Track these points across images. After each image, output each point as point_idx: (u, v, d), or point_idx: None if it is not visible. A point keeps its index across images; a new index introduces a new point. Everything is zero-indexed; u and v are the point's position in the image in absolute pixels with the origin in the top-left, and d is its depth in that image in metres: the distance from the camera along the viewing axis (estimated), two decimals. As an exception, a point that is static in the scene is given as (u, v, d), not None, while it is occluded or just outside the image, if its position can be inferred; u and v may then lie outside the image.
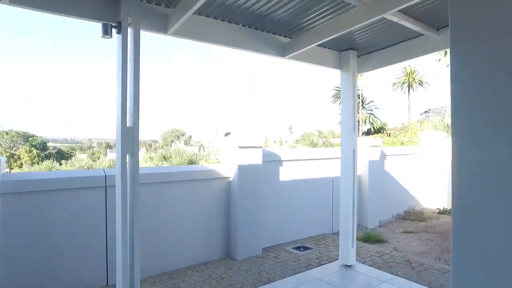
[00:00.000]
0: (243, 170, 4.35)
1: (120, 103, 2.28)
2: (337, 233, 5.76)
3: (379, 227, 6.28)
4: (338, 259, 4.22)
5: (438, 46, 3.30)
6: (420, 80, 47.36)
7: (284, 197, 5.14)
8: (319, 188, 5.67)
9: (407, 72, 47.39)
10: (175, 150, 17.94)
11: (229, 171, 4.45)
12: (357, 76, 3.87)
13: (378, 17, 2.68)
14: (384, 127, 58.04)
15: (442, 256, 4.69)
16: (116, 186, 2.38)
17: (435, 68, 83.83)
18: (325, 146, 23.04)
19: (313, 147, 22.32)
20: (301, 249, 4.83)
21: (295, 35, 3.40)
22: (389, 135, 49.65)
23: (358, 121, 52.80)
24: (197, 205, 4.18)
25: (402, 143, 26.63)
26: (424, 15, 2.97)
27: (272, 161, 4.96)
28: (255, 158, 4.50)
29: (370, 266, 4.07)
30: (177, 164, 14.53)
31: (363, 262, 4.19)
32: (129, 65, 2.31)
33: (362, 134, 53.53)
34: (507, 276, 1.04)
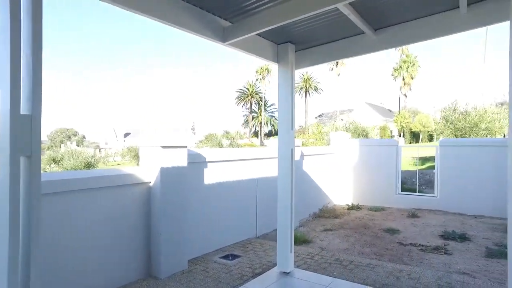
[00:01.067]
0: (166, 173, 3.75)
1: (9, 77, 1.52)
2: (262, 237, 5.56)
3: (300, 226, 6.32)
4: (272, 266, 3.98)
5: (375, 47, 3.32)
6: (316, 87, 51.73)
7: (209, 202, 4.68)
8: (244, 191, 5.38)
9: (304, 79, 51.28)
10: (67, 151, 15.60)
11: (149, 175, 3.79)
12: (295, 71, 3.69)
13: (326, 8, 2.49)
14: (281, 129, 61.96)
15: (363, 251, 4.87)
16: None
17: (328, 76, 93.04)
18: (233, 147, 23.08)
19: (220, 147, 22.13)
20: (230, 257, 4.44)
21: (236, 19, 3.01)
22: (289, 137, 52.91)
23: (260, 123, 55.03)
24: (111, 218, 3.42)
25: (304, 144, 28.37)
26: (370, 11, 2.92)
27: (197, 163, 4.46)
28: (180, 160, 3.94)
29: (306, 270, 3.93)
30: (72, 168, 12.53)
31: (298, 266, 4.04)
32: (24, 20, 1.56)
33: (264, 136, 56.04)
34: None
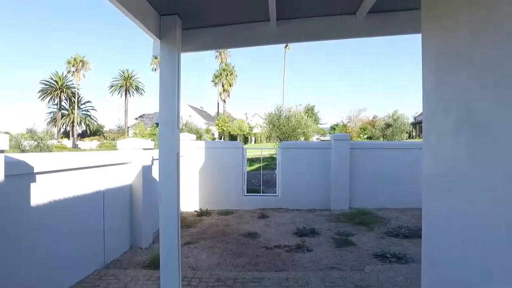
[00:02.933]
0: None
1: None
2: (113, 265, 4.34)
3: (154, 243, 5.37)
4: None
5: (276, 38, 2.99)
6: (137, 86, 48.86)
7: (39, 231, 3.21)
8: (87, 208, 4.04)
9: (124, 76, 47.53)
10: None
11: None
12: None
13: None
14: (101, 129, 55.46)
15: (236, 262, 4.49)
16: None
17: (151, 77, 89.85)
18: (41, 150, 18.58)
19: (22, 151, 17.40)
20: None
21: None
22: (106, 138, 47.91)
23: (73, 122, 47.41)
24: None
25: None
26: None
27: (20, 176, 2.94)
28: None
29: (191, 302, 3.19)
30: None
31: (177, 299, 3.23)
32: None
33: (77, 136, 48.51)
34: None
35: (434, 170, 2.18)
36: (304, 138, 15.05)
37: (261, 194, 8.56)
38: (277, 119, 14.39)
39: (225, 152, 8.24)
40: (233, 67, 45.79)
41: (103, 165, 4.35)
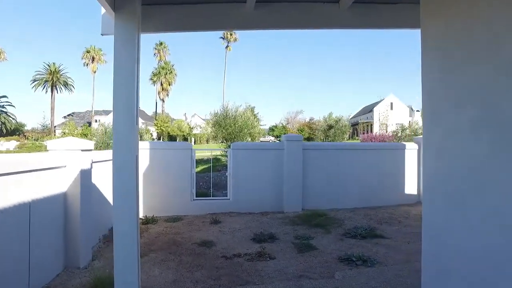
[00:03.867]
0: None
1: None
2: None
3: (94, 260, 4.61)
4: None
5: (251, 23, 2.61)
6: (65, 81, 44.42)
7: None
8: (5, 226, 3.22)
9: (50, 70, 42.84)
10: None
11: None
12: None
13: None
14: (21, 128, 49.19)
15: (196, 277, 4.00)
16: None
17: (81, 72, 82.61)
18: None
19: None
20: None
21: None
22: (27, 138, 42.69)
23: (-15, 120, 41.28)
24: None
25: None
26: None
27: None
28: None
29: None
30: None
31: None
32: None
33: (-11, 137, 42.35)
34: None
35: (439, 171, 1.99)
36: (251, 139, 14.84)
37: (212, 198, 8.07)
38: (223, 119, 13.94)
39: (172, 153, 7.59)
40: (173, 66, 44.12)
41: (29, 171, 3.54)
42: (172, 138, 38.25)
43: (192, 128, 41.53)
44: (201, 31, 2.72)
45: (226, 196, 8.02)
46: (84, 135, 25.91)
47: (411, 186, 8.69)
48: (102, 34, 2.63)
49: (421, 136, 8.98)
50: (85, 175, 4.50)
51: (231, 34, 57.62)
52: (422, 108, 2.16)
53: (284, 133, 40.00)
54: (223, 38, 58.23)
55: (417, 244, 5.24)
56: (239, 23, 2.63)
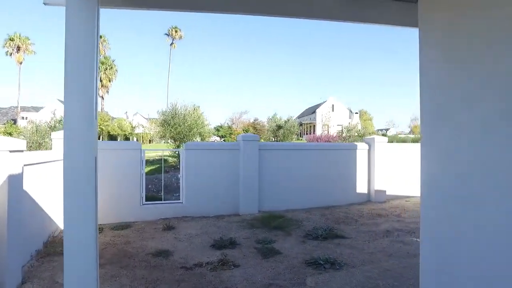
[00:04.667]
0: None
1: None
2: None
3: (25, 282, 3.87)
4: None
5: (236, 6, 2.29)
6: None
7: None
8: None
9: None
10: None
11: None
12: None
13: None
14: None
15: (153, 294, 3.54)
16: None
17: (4, 62, 73.73)
18: None
19: None
20: None
21: None
22: None
23: None
24: None
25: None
26: None
27: None
28: None
29: None
30: None
31: None
32: None
33: None
34: None
35: (449, 173, 1.86)
36: (201, 139, 14.30)
37: (163, 201, 7.48)
38: (172, 117, 13.18)
39: (119, 154, 6.88)
40: (113, 61, 41.40)
41: None
42: (112, 137, 35.85)
43: (134, 127, 39.30)
44: (174, 10, 2.31)
45: (179, 199, 7.51)
46: (8, 134, 23.03)
47: (362, 186, 8.96)
48: (44, 4, 2.10)
49: (371, 136, 9.33)
50: (15, 181, 3.77)
51: (176, 31, 55.92)
52: (421, 106, 2.03)
53: (230, 134, 39.74)
54: (167, 35, 56.27)
55: (376, 242, 5.31)
56: (220, 4, 2.28)
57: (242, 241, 5.37)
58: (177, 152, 13.72)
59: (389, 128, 70.58)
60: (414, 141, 27.42)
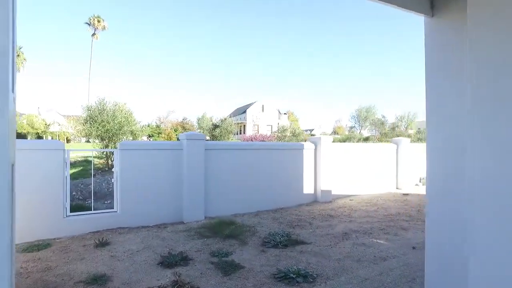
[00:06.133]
0: None
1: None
2: None
3: None
4: None
5: None
6: None
7: None
8: None
9: None
10: None
11: None
12: None
13: None
14: None
15: None
16: None
17: None
18: None
19: None
20: None
21: None
22: None
23: None
24: None
25: None
26: None
27: None
28: None
29: None
30: None
31: None
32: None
33: None
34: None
35: (500, 171, 1.49)
36: (133, 138, 12.85)
37: (93, 211, 6.31)
38: (99, 113, 11.53)
39: (34, 155, 5.57)
40: (20, 49, 36.22)
41: None
42: (21, 136, 31.22)
43: (48, 125, 34.64)
44: None
45: (112, 207, 6.43)
46: None
47: (309, 186, 8.81)
48: None
49: (317, 136, 9.23)
50: None
51: (98, 21, 51.39)
52: (427, 104, 1.69)
53: (159, 133, 37.71)
54: (88, 24, 51.41)
55: (339, 247, 5.05)
56: None
57: (194, 255, 4.66)
58: (105, 153, 12.17)
59: (313, 129, 74.33)
60: (341, 140, 28.98)
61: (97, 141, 12.26)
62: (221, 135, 22.12)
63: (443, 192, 1.98)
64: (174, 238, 5.49)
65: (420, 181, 11.86)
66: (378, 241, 5.32)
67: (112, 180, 6.39)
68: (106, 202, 7.62)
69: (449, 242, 1.94)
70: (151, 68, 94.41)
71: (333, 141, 9.56)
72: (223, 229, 5.89)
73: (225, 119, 23.94)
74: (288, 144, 10.01)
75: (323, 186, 8.84)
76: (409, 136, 37.20)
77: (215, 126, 23.35)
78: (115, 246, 5.03)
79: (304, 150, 8.78)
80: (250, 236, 5.65)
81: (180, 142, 7.04)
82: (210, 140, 22.32)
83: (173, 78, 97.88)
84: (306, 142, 9.16)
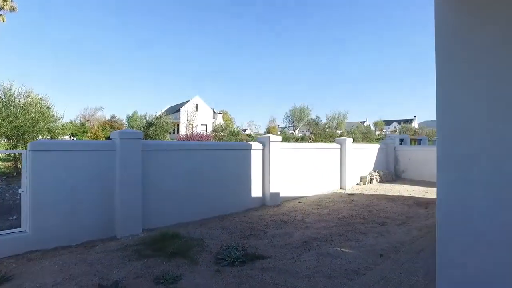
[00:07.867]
0: None
1: None
2: None
3: None
4: None
5: None
6: None
7: None
8: None
9: None
10: None
11: None
12: None
13: None
14: None
15: None
16: None
17: None
18: None
19: None
20: None
21: None
22: None
23: None
24: None
25: None
26: None
27: None
28: None
29: None
30: None
31: None
32: None
33: None
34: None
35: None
36: (51, 137, 10.84)
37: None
38: (4, 107, 9.36)
39: None
40: None
41: None
42: None
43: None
44: None
45: (19, 226, 5.05)
46: None
47: (257, 189, 8.21)
48: None
49: (266, 135, 8.67)
50: None
51: (5, 1, 44.77)
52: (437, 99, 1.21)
53: (84, 132, 34.11)
54: (-8, 4, 44.48)
55: (302, 259, 4.49)
56: None
57: (133, 285, 3.70)
58: (12, 155, 10.09)
59: (246, 129, 74.58)
60: (281, 141, 29.09)
61: (3, 141, 10.12)
62: (156, 134, 20.40)
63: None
64: (106, 262, 4.42)
65: (361, 180, 12.08)
66: (342, 249, 4.90)
67: (20, 190, 5.00)
68: (10, 218, 6.08)
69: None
70: (73, 61, 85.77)
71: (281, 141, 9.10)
72: (166, 244, 4.96)
73: (160, 116, 22.22)
74: (235, 143, 9.29)
75: (271, 188, 8.31)
76: (340, 135, 39.06)
77: (150, 125, 21.51)
78: (21, 282, 3.80)
79: (252, 150, 8.16)
80: (200, 252, 4.82)
81: (112, 142, 5.88)
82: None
83: (101, 72, 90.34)
84: (255, 142, 8.55)
